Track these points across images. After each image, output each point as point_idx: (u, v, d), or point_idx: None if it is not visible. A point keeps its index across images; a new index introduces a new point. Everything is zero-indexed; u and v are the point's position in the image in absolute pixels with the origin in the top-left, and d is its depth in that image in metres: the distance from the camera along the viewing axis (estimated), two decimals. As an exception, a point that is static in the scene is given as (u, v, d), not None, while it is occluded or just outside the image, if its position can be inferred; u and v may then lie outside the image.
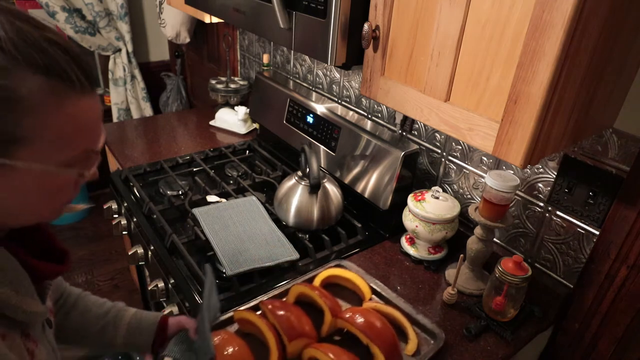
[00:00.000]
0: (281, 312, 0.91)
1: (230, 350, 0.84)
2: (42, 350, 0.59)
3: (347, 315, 0.92)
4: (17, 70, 0.45)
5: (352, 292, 1.07)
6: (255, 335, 0.94)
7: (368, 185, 1.26)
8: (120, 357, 1.24)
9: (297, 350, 0.89)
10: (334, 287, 1.07)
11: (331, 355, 0.83)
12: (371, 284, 1.05)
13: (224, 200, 1.37)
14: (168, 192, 1.40)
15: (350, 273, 1.07)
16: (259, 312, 0.98)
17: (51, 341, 0.65)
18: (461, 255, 1.01)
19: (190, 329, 0.90)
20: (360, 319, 0.90)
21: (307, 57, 1.69)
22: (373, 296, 1.05)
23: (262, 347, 0.90)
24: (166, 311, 1.12)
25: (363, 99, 1.47)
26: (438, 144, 1.25)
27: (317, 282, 1.05)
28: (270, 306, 0.93)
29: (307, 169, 1.20)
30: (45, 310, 0.60)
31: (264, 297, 1.01)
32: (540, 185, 1.03)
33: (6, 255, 0.54)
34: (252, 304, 0.99)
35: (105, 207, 1.54)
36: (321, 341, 0.92)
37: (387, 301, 1.02)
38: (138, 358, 1.20)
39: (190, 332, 0.89)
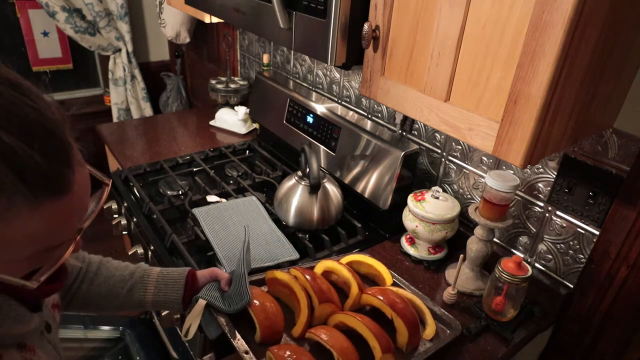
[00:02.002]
0: (312, 277, 0.94)
1: (267, 304, 0.89)
2: (41, 354, 0.60)
3: (373, 291, 0.95)
4: None
5: (372, 281, 1.09)
6: (281, 299, 0.97)
7: (368, 185, 1.26)
8: (120, 357, 1.24)
9: (324, 315, 0.92)
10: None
11: (359, 319, 0.85)
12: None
13: (224, 200, 1.37)
14: (168, 192, 1.40)
15: (372, 259, 1.08)
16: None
17: (52, 340, 0.65)
18: (461, 255, 1.01)
19: (222, 279, 0.93)
20: (385, 295, 0.93)
21: (307, 57, 1.69)
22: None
23: (287, 312, 0.94)
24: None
25: (363, 99, 1.47)
26: (438, 144, 1.25)
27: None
28: (301, 271, 0.96)
29: (307, 169, 1.20)
30: (37, 324, 0.60)
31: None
32: (540, 185, 1.03)
33: None
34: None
35: (105, 207, 1.54)
36: None
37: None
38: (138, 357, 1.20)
39: (221, 283, 0.93)
